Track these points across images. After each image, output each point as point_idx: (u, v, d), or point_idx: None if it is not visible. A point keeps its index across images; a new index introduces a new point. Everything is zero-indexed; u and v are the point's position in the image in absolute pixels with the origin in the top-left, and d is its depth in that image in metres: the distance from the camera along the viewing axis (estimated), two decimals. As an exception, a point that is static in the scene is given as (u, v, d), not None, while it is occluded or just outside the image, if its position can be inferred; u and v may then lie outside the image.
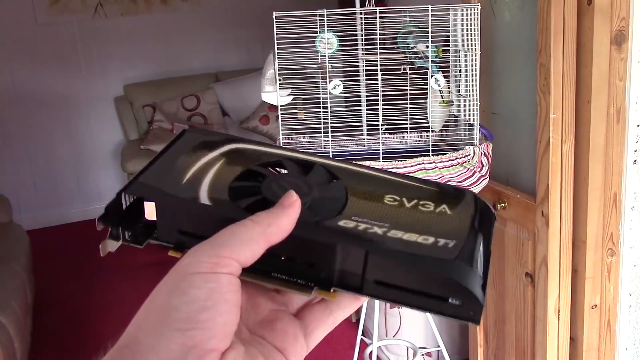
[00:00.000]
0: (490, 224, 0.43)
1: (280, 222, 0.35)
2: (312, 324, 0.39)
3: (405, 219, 0.39)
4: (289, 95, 1.58)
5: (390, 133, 1.71)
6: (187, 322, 0.32)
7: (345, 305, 0.40)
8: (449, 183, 1.56)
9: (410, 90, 1.62)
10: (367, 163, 1.51)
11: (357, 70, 1.72)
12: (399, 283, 0.36)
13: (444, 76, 1.62)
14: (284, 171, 0.43)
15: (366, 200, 0.41)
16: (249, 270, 0.35)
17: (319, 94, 1.59)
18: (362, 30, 1.65)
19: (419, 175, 1.53)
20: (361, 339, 2.05)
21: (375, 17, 1.57)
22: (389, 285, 0.36)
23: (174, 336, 0.32)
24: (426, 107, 1.67)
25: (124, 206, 0.41)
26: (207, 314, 0.32)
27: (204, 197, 0.39)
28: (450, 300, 0.35)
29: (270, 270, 0.37)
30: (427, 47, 1.57)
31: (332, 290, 0.37)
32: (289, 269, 0.37)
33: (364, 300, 0.40)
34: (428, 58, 1.58)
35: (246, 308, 0.38)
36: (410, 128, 1.68)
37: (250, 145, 0.46)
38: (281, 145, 1.62)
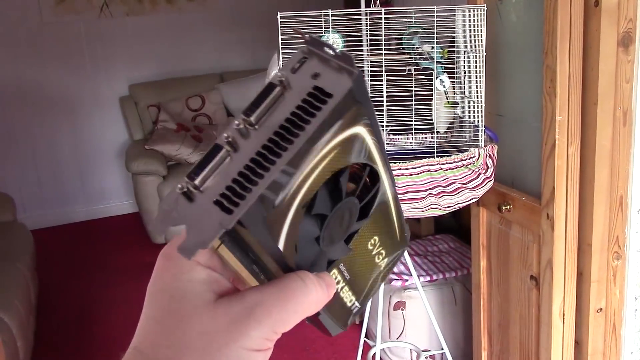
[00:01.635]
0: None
1: (321, 305, 0.35)
2: None
3: (360, 272, 0.41)
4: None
5: (394, 134, 1.70)
6: (179, 348, 0.32)
7: None
8: (455, 186, 1.55)
9: (415, 91, 1.62)
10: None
11: (362, 71, 1.71)
12: None
13: (449, 77, 1.61)
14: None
15: (358, 242, 0.39)
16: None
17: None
18: (367, 31, 1.64)
19: (424, 177, 1.52)
20: (364, 340, 2.04)
21: (381, 18, 1.57)
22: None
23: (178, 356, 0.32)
24: (431, 109, 1.66)
25: None
26: (194, 341, 0.32)
27: (284, 232, 0.32)
28: None
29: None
30: (433, 48, 1.56)
31: None
32: None
33: None
34: (433, 59, 1.57)
35: None
36: (415, 129, 1.67)
37: (370, 135, 0.36)
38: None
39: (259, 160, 0.30)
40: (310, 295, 0.34)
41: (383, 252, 0.42)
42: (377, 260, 0.42)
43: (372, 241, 0.40)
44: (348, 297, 0.40)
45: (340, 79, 0.31)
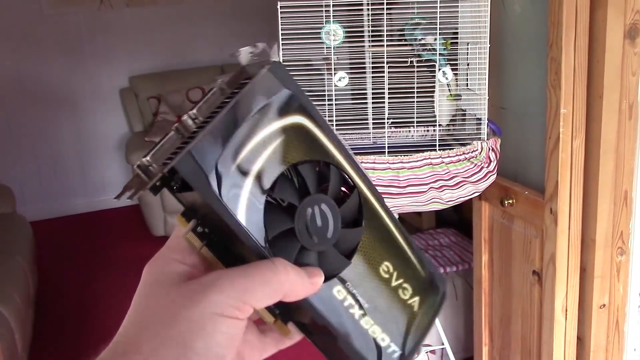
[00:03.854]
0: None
1: (299, 291, 0.36)
2: (247, 350, 0.40)
3: (382, 304, 0.41)
4: (293, 87, 1.55)
5: (396, 127, 1.68)
6: (162, 340, 0.33)
7: (275, 342, 0.42)
8: (457, 180, 1.53)
9: (417, 83, 1.59)
10: (372, 157, 1.48)
11: (363, 63, 1.69)
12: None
13: (452, 69, 1.59)
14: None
15: (367, 264, 0.41)
16: None
17: (324, 86, 1.56)
18: (368, 22, 1.62)
19: (425, 170, 1.50)
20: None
21: (383, 9, 1.54)
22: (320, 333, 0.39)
23: (162, 352, 0.33)
24: (433, 101, 1.64)
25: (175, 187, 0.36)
26: (175, 331, 0.33)
27: (241, 211, 0.36)
28: None
29: None
30: (435, 39, 1.53)
31: (288, 325, 0.40)
32: None
33: (290, 344, 0.42)
34: (436, 50, 1.54)
35: None
36: (417, 122, 1.64)
37: (316, 127, 0.40)
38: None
39: (196, 130, 0.37)
40: (278, 274, 0.35)
41: (407, 287, 0.42)
42: (402, 296, 0.42)
43: (385, 267, 0.41)
44: (377, 333, 0.40)
45: (259, 68, 0.38)
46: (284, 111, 0.38)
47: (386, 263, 0.41)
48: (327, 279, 0.38)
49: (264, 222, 0.36)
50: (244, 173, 0.35)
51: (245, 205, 0.35)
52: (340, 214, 0.39)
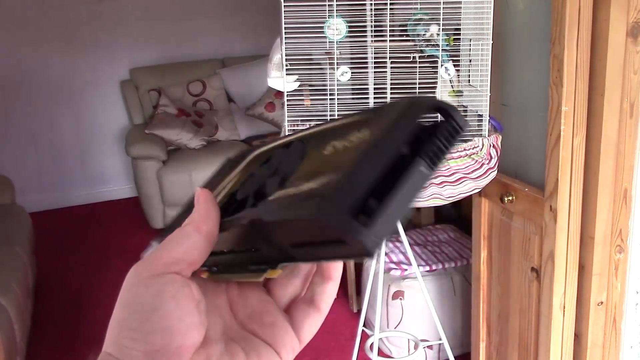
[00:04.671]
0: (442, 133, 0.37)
1: (199, 213, 0.37)
2: (299, 317, 0.39)
3: (314, 166, 0.38)
4: (295, 81, 1.55)
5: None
6: (141, 330, 0.33)
7: (320, 292, 0.40)
8: (458, 176, 1.53)
9: (419, 79, 1.59)
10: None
11: (365, 58, 1.69)
12: (303, 239, 0.35)
13: (454, 65, 1.59)
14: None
15: (309, 160, 0.39)
16: (218, 271, 0.39)
17: (326, 80, 1.56)
18: (371, 17, 1.62)
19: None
20: (362, 330, 2.04)
21: (386, 4, 1.54)
22: (301, 245, 0.35)
23: (135, 346, 0.33)
24: (435, 97, 1.64)
25: None
26: (158, 315, 0.33)
27: None
28: (345, 241, 0.32)
29: (238, 265, 0.39)
30: (439, 32, 1.54)
31: (278, 267, 0.37)
32: (248, 260, 0.38)
33: (330, 284, 0.40)
34: (439, 44, 1.54)
35: (237, 302, 0.40)
36: (418, 118, 1.64)
37: (267, 146, 0.43)
38: (286, 132, 1.60)
39: None
40: (185, 226, 0.36)
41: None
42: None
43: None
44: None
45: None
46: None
47: (333, 142, 0.40)
48: (262, 198, 0.38)
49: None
50: None
51: None
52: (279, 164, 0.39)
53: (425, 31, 1.54)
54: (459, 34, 1.63)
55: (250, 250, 0.38)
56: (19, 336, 2.29)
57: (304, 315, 0.39)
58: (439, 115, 0.35)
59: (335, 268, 0.39)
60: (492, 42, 1.54)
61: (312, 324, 0.39)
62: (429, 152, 0.34)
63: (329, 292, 0.39)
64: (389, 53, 1.55)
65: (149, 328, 0.34)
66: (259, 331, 0.38)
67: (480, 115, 1.60)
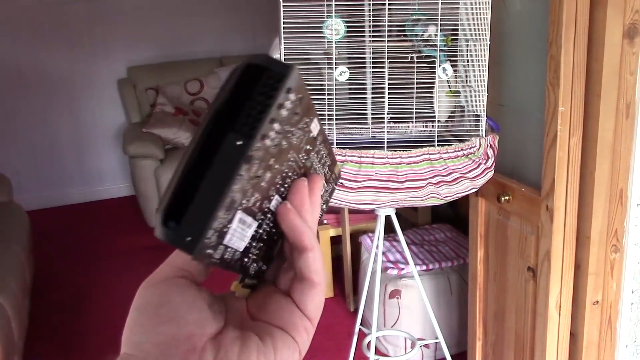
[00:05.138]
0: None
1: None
2: (298, 295, 0.40)
3: None
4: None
5: (395, 122, 1.69)
6: (150, 324, 0.35)
7: (304, 265, 0.39)
8: (455, 175, 1.54)
9: (417, 79, 1.60)
10: (371, 152, 1.49)
11: (363, 58, 1.69)
12: None
13: (452, 66, 1.60)
14: None
15: None
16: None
17: (323, 80, 1.56)
18: (369, 17, 1.63)
19: (424, 165, 1.51)
20: (360, 328, 2.04)
21: (384, 4, 1.55)
22: None
23: (145, 339, 0.34)
24: (432, 97, 1.65)
25: None
26: (165, 309, 0.35)
27: None
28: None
29: None
30: (437, 31, 1.54)
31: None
32: None
33: (308, 253, 0.39)
34: (437, 45, 1.55)
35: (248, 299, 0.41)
36: (416, 118, 1.66)
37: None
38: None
39: None
40: None
41: None
42: None
43: None
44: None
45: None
46: None
47: None
48: None
49: None
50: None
51: None
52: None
53: (424, 31, 1.55)
54: (457, 35, 1.64)
55: None
56: (17, 334, 2.29)
57: (301, 292, 0.39)
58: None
59: (305, 237, 0.38)
60: (489, 42, 1.55)
61: (312, 298, 0.39)
62: (242, 121, 0.32)
63: (311, 261, 0.39)
64: (387, 53, 1.56)
65: (157, 320, 0.35)
66: (269, 318, 0.39)
67: (478, 116, 1.61)
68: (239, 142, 0.32)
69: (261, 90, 0.33)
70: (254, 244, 0.38)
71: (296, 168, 0.39)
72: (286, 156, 0.37)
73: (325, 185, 0.45)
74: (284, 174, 0.37)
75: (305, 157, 0.40)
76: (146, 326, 0.35)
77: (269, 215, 0.38)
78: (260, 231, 0.38)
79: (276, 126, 0.33)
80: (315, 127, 0.39)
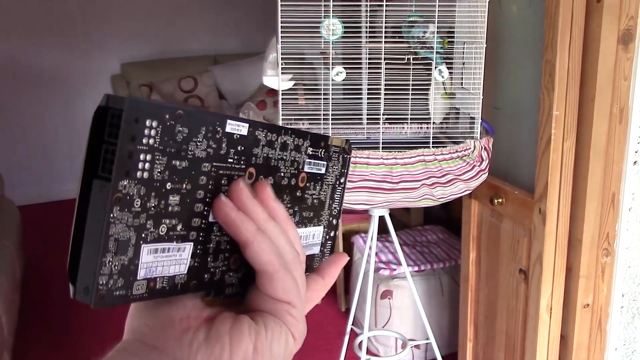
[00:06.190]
0: None
1: None
2: (261, 285, 0.40)
3: None
4: (290, 80, 1.56)
5: (390, 123, 1.69)
6: (146, 309, 0.37)
7: (249, 260, 0.39)
8: (449, 177, 1.55)
9: (413, 81, 1.61)
10: (367, 152, 1.50)
11: (359, 59, 1.70)
12: None
13: (447, 68, 1.60)
14: None
15: None
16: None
17: (319, 80, 1.57)
18: (366, 18, 1.63)
19: (418, 167, 1.51)
20: (351, 328, 2.05)
21: (381, 5, 1.55)
22: None
23: (143, 323, 0.36)
24: (427, 99, 1.66)
25: None
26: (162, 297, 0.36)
27: None
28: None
29: None
30: (435, 30, 1.55)
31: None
32: None
33: (246, 245, 0.38)
34: (433, 47, 1.56)
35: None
36: (411, 119, 1.66)
37: None
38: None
39: None
40: None
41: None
42: None
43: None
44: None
45: None
46: None
47: None
48: None
49: None
50: None
51: None
52: None
53: (424, 32, 1.55)
54: (453, 37, 1.64)
55: None
56: (6, 329, 2.28)
57: (262, 282, 0.40)
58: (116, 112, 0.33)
59: (243, 230, 0.37)
60: (485, 45, 1.56)
61: (274, 285, 0.39)
62: (102, 166, 0.32)
63: (255, 254, 0.38)
64: (384, 55, 1.57)
65: (154, 305, 0.36)
66: (252, 307, 0.39)
67: (473, 118, 1.61)
68: (102, 188, 0.32)
69: (109, 131, 0.33)
70: (209, 259, 0.38)
71: (233, 172, 0.39)
72: (197, 171, 0.36)
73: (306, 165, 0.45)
74: (210, 187, 0.37)
75: (241, 160, 0.39)
76: (144, 311, 0.36)
77: (214, 228, 0.38)
78: (212, 245, 0.38)
79: (144, 157, 0.33)
80: (237, 128, 0.38)
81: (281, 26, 1.47)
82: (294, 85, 1.57)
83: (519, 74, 1.68)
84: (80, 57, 4.36)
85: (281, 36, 1.48)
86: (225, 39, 4.74)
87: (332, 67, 1.54)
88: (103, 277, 0.32)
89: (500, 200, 1.72)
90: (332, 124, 1.59)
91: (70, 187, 4.49)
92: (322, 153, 0.46)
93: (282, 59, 1.52)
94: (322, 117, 1.57)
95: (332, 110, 1.56)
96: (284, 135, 0.42)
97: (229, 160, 0.38)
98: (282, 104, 1.58)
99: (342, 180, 0.49)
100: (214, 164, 0.37)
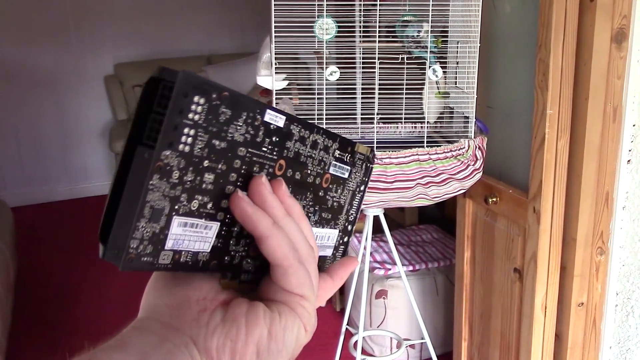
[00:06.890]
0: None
1: None
2: (275, 277, 0.41)
3: None
4: (284, 80, 1.55)
5: (384, 123, 1.69)
6: (165, 287, 0.38)
7: (265, 254, 0.40)
8: (443, 176, 1.54)
9: (407, 80, 1.61)
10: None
11: (353, 58, 1.70)
12: None
13: (441, 67, 1.60)
14: None
15: None
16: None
17: (313, 79, 1.56)
18: (360, 18, 1.63)
19: (413, 166, 1.51)
20: (346, 328, 2.05)
21: (374, 5, 1.55)
22: None
23: (161, 302, 0.37)
24: (421, 98, 1.66)
25: None
26: (180, 275, 0.38)
27: None
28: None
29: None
30: (429, 29, 1.55)
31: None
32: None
33: (263, 240, 0.39)
34: (427, 46, 1.56)
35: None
36: (405, 119, 1.66)
37: None
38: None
39: None
40: None
41: None
42: None
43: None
44: None
45: None
46: None
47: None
48: None
49: None
50: None
51: None
52: None
53: (418, 31, 1.55)
54: (447, 36, 1.64)
55: None
56: (0, 330, 2.27)
57: (276, 275, 0.40)
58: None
59: (259, 225, 0.38)
60: (479, 45, 1.56)
61: (288, 279, 0.40)
62: (147, 134, 0.33)
63: (272, 249, 0.39)
64: (377, 54, 1.56)
65: (172, 284, 0.37)
66: (266, 297, 0.40)
67: (467, 117, 1.61)
68: (146, 155, 0.33)
69: (159, 102, 0.34)
70: (231, 242, 0.39)
71: (265, 162, 0.39)
72: (234, 154, 0.37)
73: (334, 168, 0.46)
74: (243, 171, 0.38)
75: (274, 150, 0.40)
76: (162, 289, 0.37)
77: None
78: (236, 229, 0.39)
79: (187, 131, 0.33)
80: (274, 118, 0.39)
81: (275, 26, 1.47)
82: (288, 84, 1.57)
83: (512, 73, 1.68)
84: (73, 58, 4.35)
85: (275, 36, 1.48)
86: (218, 39, 4.73)
87: (326, 67, 1.53)
88: (134, 241, 0.33)
89: (494, 199, 1.72)
90: (326, 123, 1.58)
91: (62, 187, 4.47)
92: (348, 158, 0.47)
93: (275, 58, 1.51)
94: (316, 116, 1.57)
95: (326, 109, 1.56)
96: (316, 134, 0.43)
97: (263, 149, 0.39)
98: (276, 103, 1.57)
99: (362, 188, 0.49)
100: (249, 150, 0.38)
